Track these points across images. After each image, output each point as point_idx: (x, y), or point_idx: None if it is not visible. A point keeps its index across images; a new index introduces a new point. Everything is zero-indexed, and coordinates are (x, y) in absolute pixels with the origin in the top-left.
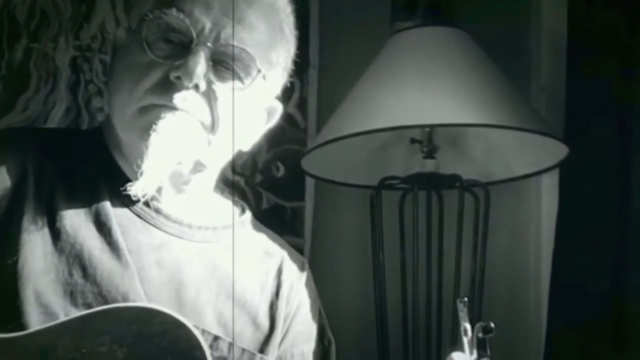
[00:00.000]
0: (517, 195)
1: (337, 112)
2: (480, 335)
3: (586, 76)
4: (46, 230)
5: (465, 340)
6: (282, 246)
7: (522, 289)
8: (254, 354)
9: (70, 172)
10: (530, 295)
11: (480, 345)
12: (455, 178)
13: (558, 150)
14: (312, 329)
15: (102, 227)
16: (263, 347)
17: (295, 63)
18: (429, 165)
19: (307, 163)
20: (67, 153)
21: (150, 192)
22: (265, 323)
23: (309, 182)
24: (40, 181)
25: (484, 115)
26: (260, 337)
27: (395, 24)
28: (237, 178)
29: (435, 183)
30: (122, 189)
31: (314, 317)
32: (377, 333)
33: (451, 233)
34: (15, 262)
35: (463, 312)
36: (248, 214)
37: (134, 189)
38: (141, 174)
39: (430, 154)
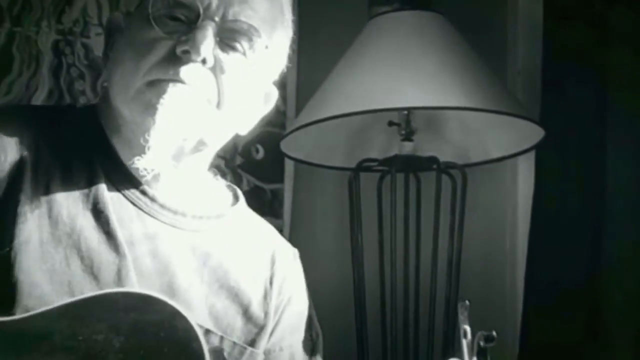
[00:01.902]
0: (494, 177)
1: (315, 95)
2: (481, 343)
3: (562, 58)
4: (43, 218)
5: (464, 342)
6: (274, 236)
7: (499, 269)
8: (244, 348)
9: (67, 154)
10: (507, 276)
11: (480, 354)
12: (432, 160)
13: (534, 133)
14: (300, 321)
15: (100, 216)
16: (255, 339)
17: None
18: (407, 148)
19: (286, 145)
20: (63, 133)
21: (158, 168)
22: (258, 314)
23: (288, 164)
24: (38, 165)
25: (461, 98)
26: (252, 329)
27: (373, 8)
28: (217, 161)
29: (413, 165)
30: (116, 170)
31: (303, 309)
32: (356, 314)
33: (428, 214)
34: (9, 252)
35: (463, 315)
36: (241, 202)
37: (141, 163)
38: (149, 149)
39: (408, 137)
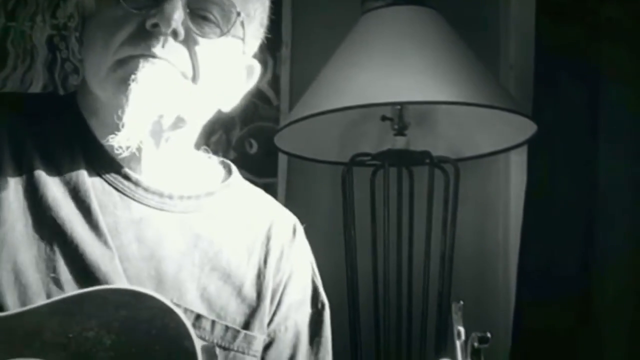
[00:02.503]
0: (486, 171)
1: (309, 89)
2: (475, 344)
3: (555, 53)
4: (27, 205)
5: (457, 343)
6: (271, 207)
7: (491, 263)
8: (238, 331)
9: (48, 140)
10: (499, 270)
11: (474, 355)
12: (425, 155)
13: (526, 127)
14: (305, 296)
15: (82, 204)
16: (249, 321)
17: (268, 40)
18: (400, 142)
19: (279, 140)
20: (44, 120)
21: (133, 145)
22: (251, 295)
23: (282, 159)
24: (20, 152)
25: (454, 92)
26: (246, 310)
27: (366, 3)
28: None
29: (405, 159)
30: (97, 155)
31: (307, 283)
32: (349, 308)
33: (421, 209)
34: None
35: (457, 315)
36: (234, 175)
37: (116, 141)
38: (123, 126)
39: (400, 131)
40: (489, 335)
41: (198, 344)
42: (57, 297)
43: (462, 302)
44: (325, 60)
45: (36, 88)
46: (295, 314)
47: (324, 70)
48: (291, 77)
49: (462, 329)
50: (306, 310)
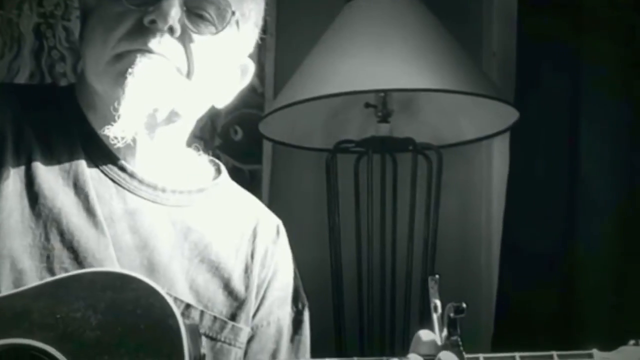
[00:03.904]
0: (469, 158)
1: (293, 77)
2: (451, 315)
3: (536, 40)
4: (24, 194)
5: (434, 316)
6: (257, 208)
7: (474, 249)
8: (225, 322)
9: (47, 131)
10: (482, 256)
11: (451, 325)
12: (408, 141)
13: (509, 115)
14: (287, 294)
15: (80, 192)
16: (236, 313)
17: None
18: (383, 129)
19: (264, 127)
20: (44, 111)
21: (128, 136)
22: (239, 288)
23: (267, 146)
24: (19, 141)
25: (437, 80)
26: (233, 302)
27: None
28: (196, 142)
29: (389, 146)
30: (95, 147)
31: (289, 282)
32: (333, 292)
33: (405, 195)
34: None
35: (434, 289)
36: (224, 175)
37: (112, 131)
38: (118, 117)
39: (384, 118)
40: (464, 305)
41: (182, 322)
42: (44, 280)
43: (437, 276)
44: (310, 48)
45: (23, 76)
46: (278, 310)
47: (308, 58)
48: (276, 64)
49: (438, 302)
50: (287, 308)
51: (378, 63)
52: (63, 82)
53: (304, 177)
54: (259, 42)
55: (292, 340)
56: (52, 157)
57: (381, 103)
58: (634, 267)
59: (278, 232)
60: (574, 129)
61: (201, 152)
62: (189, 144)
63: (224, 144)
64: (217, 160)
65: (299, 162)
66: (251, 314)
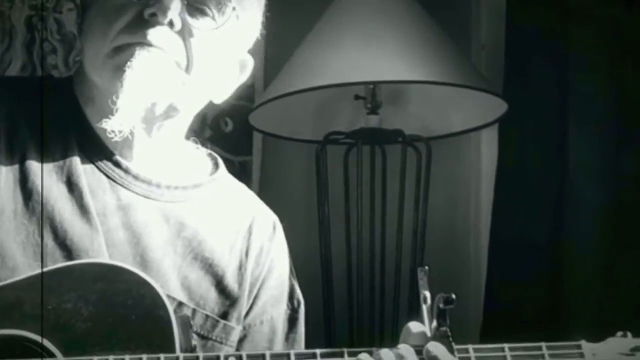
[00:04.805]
0: (458, 149)
1: (283, 69)
2: (441, 305)
3: (525, 34)
4: (18, 190)
5: (424, 308)
6: (253, 204)
7: (463, 241)
8: (217, 321)
9: (42, 125)
10: (471, 247)
11: (440, 316)
12: (397, 133)
13: (497, 106)
14: (282, 292)
15: (74, 189)
16: (228, 311)
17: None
18: (373, 121)
19: (254, 118)
20: (39, 105)
21: (126, 130)
22: (232, 286)
23: (257, 137)
24: (13, 138)
25: (426, 72)
26: (226, 300)
27: None
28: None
29: (378, 138)
30: (90, 141)
31: (284, 280)
32: (323, 284)
33: (394, 186)
34: None
35: (423, 281)
36: (221, 170)
37: (109, 125)
38: (116, 110)
39: (373, 110)
40: (453, 296)
41: (173, 314)
42: (36, 272)
43: (427, 267)
44: (300, 40)
45: (15, 67)
46: (271, 309)
47: (298, 50)
48: (266, 56)
49: (427, 294)
50: (283, 307)
51: (367, 55)
52: (55, 75)
53: (294, 169)
54: (259, 38)
55: (286, 338)
56: (46, 152)
57: (370, 95)
58: (621, 258)
59: (274, 228)
60: (563, 121)
61: (199, 146)
62: (187, 137)
63: (214, 135)
64: (214, 154)
65: (289, 154)
66: (243, 312)
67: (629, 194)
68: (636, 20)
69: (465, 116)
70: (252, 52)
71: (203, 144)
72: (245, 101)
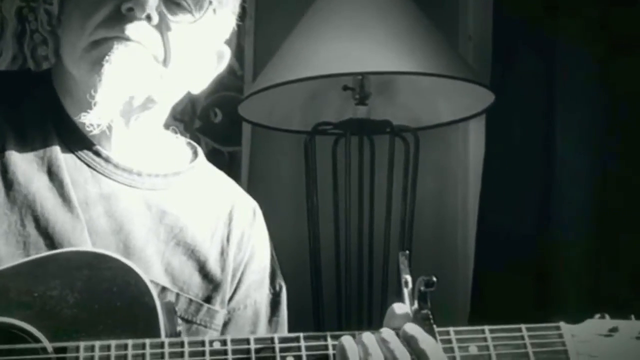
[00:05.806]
0: (446, 140)
1: (272, 60)
2: (422, 288)
3: (512, 25)
4: None
5: (405, 291)
6: (233, 190)
7: (451, 230)
8: (201, 305)
9: (21, 117)
10: (458, 236)
11: (421, 298)
12: (386, 124)
13: (485, 97)
14: (264, 276)
15: (54, 178)
16: (212, 295)
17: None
18: (361, 112)
19: (243, 109)
20: (17, 97)
21: (104, 123)
22: (214, 271)
23: (246, 128)
24: None
25: (414, 63)
26: (209, 285)
27: None
28: (176, 124)
29: (367, 128)
30: (69, 132)
31: (266, 264)
32: (311, 273)
33: (382, 176)
34: None
35: (404, 265)
36: (200, 158)
37: (88, 118)
38: (95, 104)
39: (362, 101)
40: (434, 279)
41: (158, 300)
42: (22, 260)
43: (407, 252)
44: (289, 31)
45: (6, 58)
46: (254, 293)
47: (287, 41)
48: (255, 47)
49: (409, 277)
50: (265, 291)
51: (356, 46)
52: (45, 66)
53: (283, 159)
54: (235, 28)
55: (270, 322)
56: (26, 143)
57: (359, 86)
58: (607, 249)
59: (254, 214)
60: (550, 112)
61: (179, 135)
62: (167, 127)
63: (204, 126)
64: (194, 143)
65: (278, 144)
66: (227, 296)
67: (615, 184)
68: (623, 11)
69: (453, 107)
70: (242, 43)
71: (192, 135)
72: (235, 92)
